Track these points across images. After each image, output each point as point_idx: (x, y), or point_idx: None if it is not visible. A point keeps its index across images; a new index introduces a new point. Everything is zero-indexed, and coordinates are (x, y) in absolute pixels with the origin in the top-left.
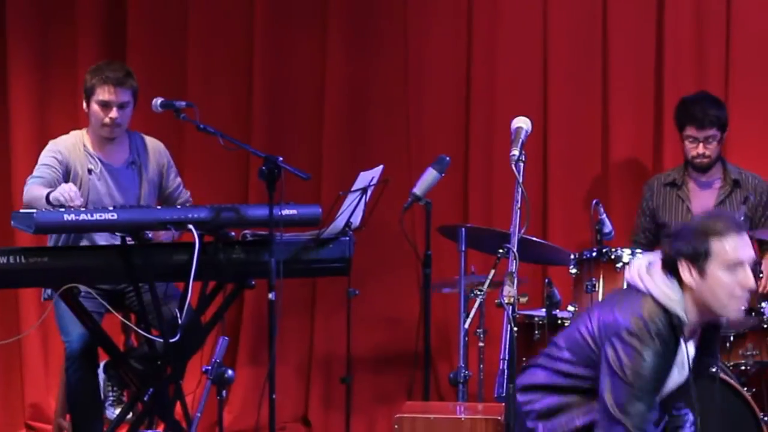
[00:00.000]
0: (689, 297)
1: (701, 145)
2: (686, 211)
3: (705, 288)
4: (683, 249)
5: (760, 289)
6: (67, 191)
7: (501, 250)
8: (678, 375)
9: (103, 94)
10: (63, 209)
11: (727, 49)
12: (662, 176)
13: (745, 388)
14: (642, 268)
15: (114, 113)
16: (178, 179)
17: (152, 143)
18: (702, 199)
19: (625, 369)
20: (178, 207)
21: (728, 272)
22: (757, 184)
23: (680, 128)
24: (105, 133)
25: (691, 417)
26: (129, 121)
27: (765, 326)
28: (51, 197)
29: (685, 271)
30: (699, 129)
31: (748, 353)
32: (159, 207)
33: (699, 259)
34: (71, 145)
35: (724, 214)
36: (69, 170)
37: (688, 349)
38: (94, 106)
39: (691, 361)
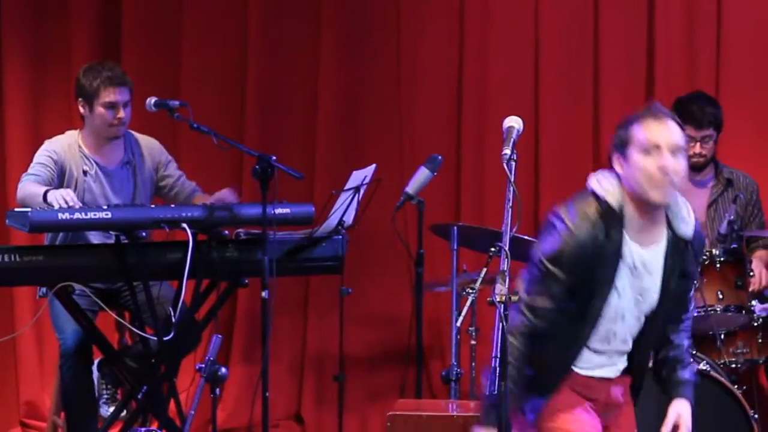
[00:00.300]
0: (625, 188)
1: (698, 144)
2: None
3: (629, 174)
4: (614, 141)
5: (750, 287)
6: (62, 197)
7: (493, 249)
8: (633, 277)
9: (109, 95)
10: (58, 208)
11: (717, 49)
12: None
13: (736, 386)
14: (597, 173)
15: (121, 113)
16: (179, 171)
17: (146, 141)
18: (695, 198)
19: (538, 249)
20: (173, 206)
21: (644, 155)
22: (748, 183)
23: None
24: (113, 133)
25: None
26: (130, 118)
27: (755, 324)
28: (48, 199)
29: (616, 163)
30: (697, 128)
31: (739, 351)
32: (153, 206)
33: (623, 146)
34: (67, 146)
35: (653, 104)
36: (64, 171)
37: (634, 248)
38: (100, 109)
39: (659, 269)
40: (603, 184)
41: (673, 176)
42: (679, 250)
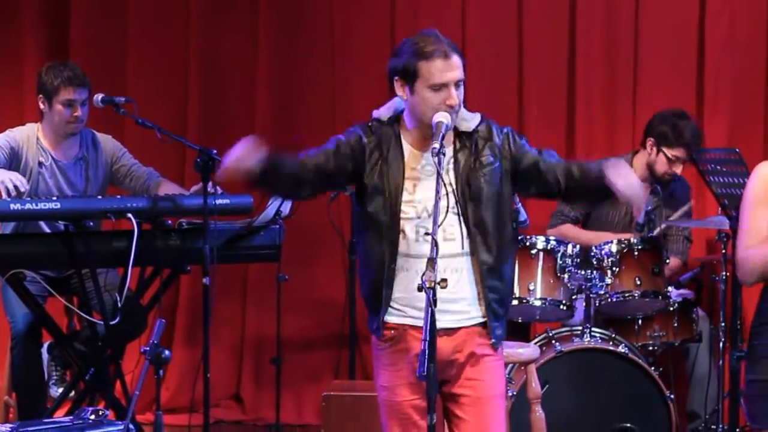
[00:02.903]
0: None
1: (681, 166)
2: (625, 209)
3: (415, 103)
4: (397, 66)
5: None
6: (9, 179)
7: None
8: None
9: (68, 93)
10: (9, 198)
11: (635, 50)
12: None
13: (653, 368)
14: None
15: (78, 111)
16: (133, 160)
17: (103, 138)
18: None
19: None
20: (119, 197)
21: (433, 92)
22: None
23: (667, 146)
24: (70, 129)
25: None
26: (87, 116)
27: (671, 309)
28: None
29: (398, 88)
30: (688, 152)
31: (656, 335)
32: (100, 197)
33: (409, 78)
34: (26, 137)
35: (437, 37)
36: (20, 159)
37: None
38: (58, 106)
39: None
40: (390, 105)
41: (456, 108)
42: (465, 143)
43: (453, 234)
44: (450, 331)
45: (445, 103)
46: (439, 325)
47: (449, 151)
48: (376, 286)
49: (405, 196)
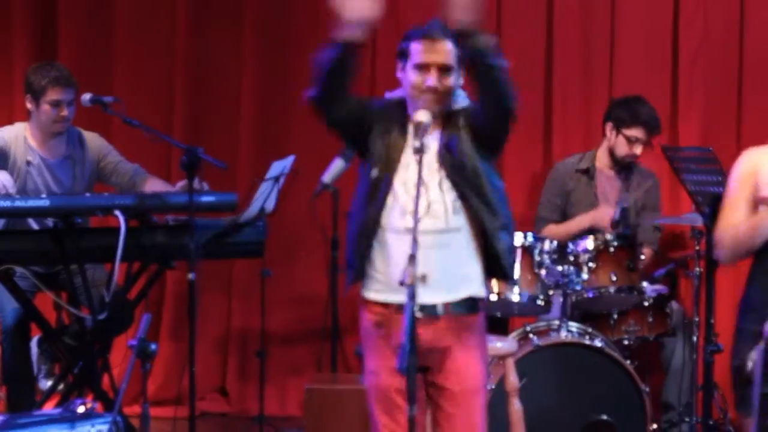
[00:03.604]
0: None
1: (641, 147)
2: (593, 197)
3: (405, 83)
4: (399, 48)
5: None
6: (0, 179)
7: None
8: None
9: (55, 93)
10: None
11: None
12: (574, 162)
13: (628, 362)
14: None
15: (65, 111)
16: (119, 157)
17: (90, 137)
18: (608, 188)
19: None
20: (107, 195)
21: (416, 72)
22: (645, 174)
23: (624, 126)
24: (56, 129)
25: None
26: (74, 116)
27: (646, 304)
28: None
29: (399, 69)
30: (648, 133)
31: (631, 329)
32: (88, 194)
33: (402, 58)
34: (14, 136)
35: (433, 23)
36: (8, 157)
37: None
38: (45, 106)
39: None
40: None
41: (438, 94)
42: (454, 122)
43: (438, 211)
44: (432, 318)
45: (424, 83)
46: (423, 300)
47: (437, 132)
48: (359, 252)
49: (401, 174)
